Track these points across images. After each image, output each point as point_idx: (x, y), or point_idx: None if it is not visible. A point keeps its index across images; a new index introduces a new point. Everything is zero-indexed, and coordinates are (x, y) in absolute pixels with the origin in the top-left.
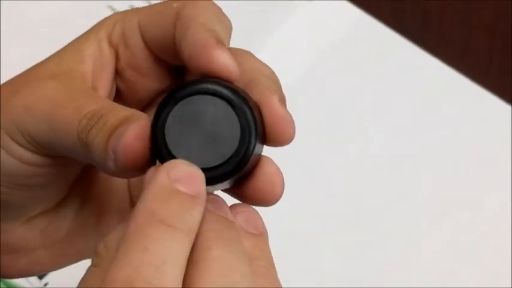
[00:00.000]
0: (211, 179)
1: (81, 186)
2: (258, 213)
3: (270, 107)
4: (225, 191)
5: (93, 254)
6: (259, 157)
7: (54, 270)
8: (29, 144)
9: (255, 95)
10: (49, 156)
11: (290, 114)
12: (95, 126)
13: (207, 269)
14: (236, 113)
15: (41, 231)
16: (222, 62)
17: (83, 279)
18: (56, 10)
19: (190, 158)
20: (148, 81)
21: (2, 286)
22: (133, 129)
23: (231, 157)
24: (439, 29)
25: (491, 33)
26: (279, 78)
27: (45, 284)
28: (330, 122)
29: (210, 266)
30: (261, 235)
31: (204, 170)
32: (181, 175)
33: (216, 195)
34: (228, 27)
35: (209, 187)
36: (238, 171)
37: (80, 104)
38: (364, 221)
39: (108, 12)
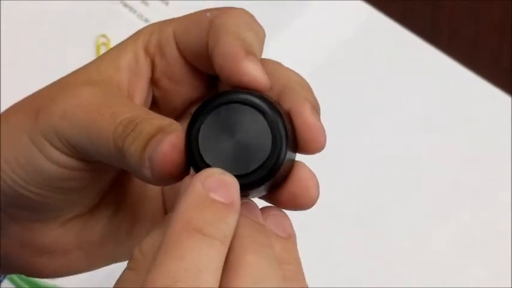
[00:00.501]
0: (245, 185)
1: (115, 192)
2: (287, 216)
3: (301, 116)
4: (261, 197)
5: (130, 258)
6: (293, 163)
7: (89, 271)
8: (66, 148)
9: (287, 102)
10: (84, 160)
11: (321, 124)
12: (130, 133)
13: (240, 275)
14: (267, 122)
15: (76, 235)
16: (252, 73)
17: (119, 280)
18: (56, 10)
19: (224, 166)
20: (183, 89)
21: (14, 277)
22: (170, 139)
23: (262, 164)
24: (448, 26)
25: (500, 30)
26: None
27: None
28: (340, 119)
29: (243, 272)
30: (289, 238)
31: (237, 177)
32: (216, 184)
33: (248, 199)
34: (260, 36)
35: (245, 195)
36: (270, 178)
37: (116, 111)
38: (371, 218)
39: (108, 13)
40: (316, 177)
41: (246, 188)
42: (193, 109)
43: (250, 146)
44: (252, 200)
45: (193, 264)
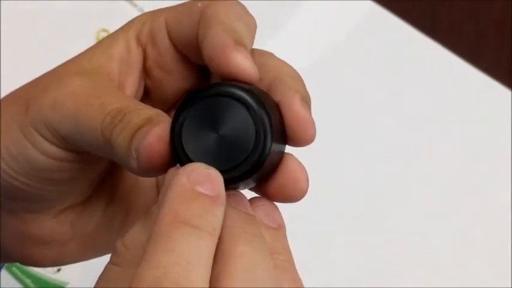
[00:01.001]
0: (229, 180)
1: (108, 184)
2: (276, 206)
3: (290, 108)
4: (250, 189)
5: (112, 251)
6: (282, 155)
7: (84, 260)
8: (56, 139)
9: (277, 94)
10: (74, 151)
11: (311, 116)
12: (118, 124)
13: (232, 265)
14: (251, 115)
15: (70, 226)
16: (240, 64)
17: (102, 277)
18: (58, 4)
19: (207, 161)
20: (175, 80)
21: (16, 271)
22: (157, 131)
23: (246, 159)
24: (449, 20)
25: (500, 25)
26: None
27: (58, 270)
28: (341, 113)
29: (235, 262)
30: (279, 228)
31: (221, 172)
32: (201, 177)
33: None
34: (252, 27)
35: (233, 187)
36: (253, 172)
37: (105, 101)
38: (372, 216)
39: (109, 8)
40: (305, 170)
41: (231, 182)
42: None
43: (234, 140)
44: (240, 192)
45: (183, 256)
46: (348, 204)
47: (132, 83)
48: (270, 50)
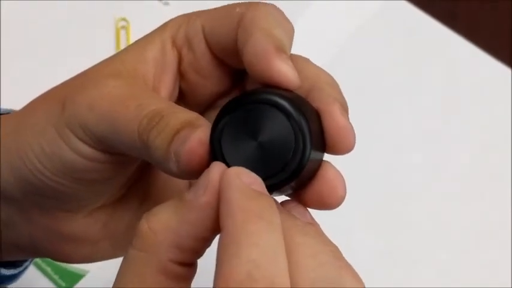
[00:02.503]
0: (267, 187)
1: (141, 184)
2: (305, 207)
3: (330, 117)
4: (288, 195)
5: (135, 235)
6: (320, 163)
7: (115, 258)
8: (91, 140)
9: (316, 102)
10: (108, 152)
11: (350, 124)
12: (156, 126)
13: (295, 255)
14: (291, 123)
15: (103, 225)
16: (282, 71)
17: (128, 264)
18: (56, 10)
19: (246, 167)
20: (210, 83)
21: (36, 259)
22: (198, 135)
23: (284, 167)
24: (467, 10)
25: None
26: (313, 51)
27: None
28: (359, 102)
29: (297, 252)
30: (315, 224)
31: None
32: (251, 179)
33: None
34: (290, 32)
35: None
36: (291, 181)
37: (142, 103)
38: (392, 202)
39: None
40: (342, 177)
41: (269, 189)
42: (219, 103)
43: (273, 147)
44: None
45: (269, 248)
46: (366, 192)
47: (166, 86)
48: None
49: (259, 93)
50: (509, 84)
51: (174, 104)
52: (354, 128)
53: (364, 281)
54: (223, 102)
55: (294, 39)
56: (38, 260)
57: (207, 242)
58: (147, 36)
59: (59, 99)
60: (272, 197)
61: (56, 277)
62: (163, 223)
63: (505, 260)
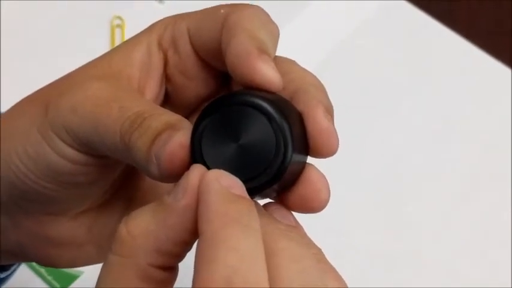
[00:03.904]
0: (248, 190)
1: (126, 188)
2: (288, 210)
3: (313, 119)
4: (272, 198)
5: (114, 240)
6: (303, 166)
7: (101, 262)
8: (74, 143)
9: (300, 104)
10: (92, 155)
11: (334, 128)
12: (137, 128)
13: (278, 260)
14: (272, 126)
15: (88, 229)
16: (264, 72)
17: (107, 270)
18: (52, 9)
19: (227, 170)
20: (196, 85)
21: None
22: (178, 138)
23: (265, 170)
24: (466, 10)
25: None
26: (308, 56)
27: None
28: (358, 102)
29: (281, 257)
30: (299, 227)
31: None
32: (230, 182)
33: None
34: (274, 34)
35: (251, 197)
36: (272, 184)
37: (125, 105)
38: (393, 200)
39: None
40: (326, 180)
41: (251, 192)
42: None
43: (254, 150)
44: (256, 201)
45: (247, 253)
46: (366, 193)
47: (152, 88)
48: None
49: (240, 95)
50: (509, 84)
51: (157, 106)
52: (353, 129)
53: (362, 281)
54: None
55: (292, 39)
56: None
57: (187, 246)
58: (134, 37)
59: (42, 102)
60: (252, 201)
61: (50, 278)
62: (142, 227)
63: (506, 260)
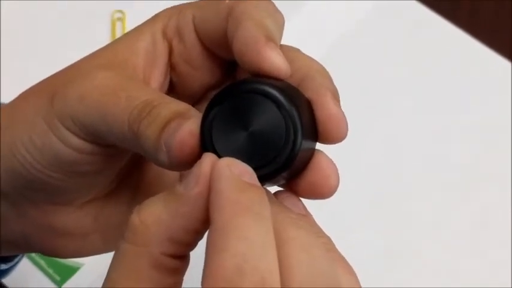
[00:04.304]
0: (258, 178)
1: (133, 177)
2: (298, 197)
3: (322, 106)
4: (281, 185)
5: (127, 228)
6: (312, 152)
7: (106, 252)
8: (81, 132)
9: (308, 92)
10: (99, 144)
11: (343, 113)
12: (146, 117)
13: (287, 249)
14: (281, 113)
15: (94, 218)
16: (272, 60)
17: (120, 258)
18: (55, 10)
19: (237, 158)
20: (201, 75)
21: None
22: (188, 126)
23: (275, 157)
24: (469, 4)
25: None
26: (308, 51)
27: None
28: (359, 97)
29: (289, 246)
30: (308, 215)
31: None
32: (241, 170)
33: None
34: (280, 23)
35: (262, 184)
36: (283, 171)
37: (132, 94)
38: (392, 198)
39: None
40: (335, 166)
41: (261, 180)
42: (211, 95)
43: (264, 137)
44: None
45: (257, 242)
46: (365, 188)
47: (157, 77)
48: None
49: (249, 82)
50: (510, 78)
51: (164, 95)
52: (355, 124)
53: (363, 279)
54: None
55: (294, 34)
56: (32, 254)
57: (199, 235)
58: (138, 27)
59: (48, 92)
60: (263, 188)
61: (50, 271)
62: (155, 216)
63: (506, 259)
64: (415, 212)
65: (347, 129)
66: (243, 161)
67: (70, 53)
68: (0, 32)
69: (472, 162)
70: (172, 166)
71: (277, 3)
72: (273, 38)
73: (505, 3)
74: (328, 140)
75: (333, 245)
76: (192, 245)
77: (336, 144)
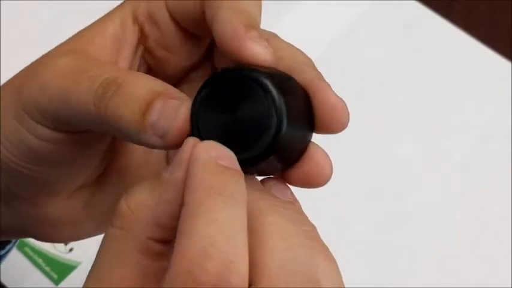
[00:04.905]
0: (241, 162)
1: (119, 160)
2: (286, 184)
3: (321, 95)
4: (274, 175)
5: (114, 214)
6: (306, 143)
7: (100, 234)
8: (49, 122)
9: (302, 82)
10: (71, 132)
11: (343, 102)
12: (115, 95)
13: (266, 236)
14: (267, 99)
15: (85, 205)
16: (255, 52)
17: (108, 243)
18: (56, 10)
19: (221, 142)
20: (179, 58)
21: (28, 251)
22: (184, 112)
23: (256, 142)
24: (466, 2)
25: None
26: (306, 50)
27: (70, 250)
28: (356, 94)
29: (268, 233)
30: (295, 202)
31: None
32: (219, 153)
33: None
34: (258, 4)
35: (248, 170)
36: (264, 157)
37: (94, 74)
38: (391, 193)
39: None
40: (329, 157)
41: (242, 165)
42: (191, 76)
43: (248, 122)
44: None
45: (227, 225)
46: (364, 183)
47: (125, 60)
48: None
49: (238, 69)
50: (509, 78)
51: (128, 70)
52: (352, 121)
53: (360, 275)
54: (195, 75)
55: (289, 33)
56: (29, 251)
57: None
58: (107, 13)
59: (15, 87)
60: (241, 172)
61: (47, 269)
62: (142, 202)
63: (505, 255)
64: (412, 210)
65: (348, 118)
66: (226, 145)
67: None
68: (0, 32)
69: (471, 161)
70: (166, 148)
71: (272, 2)
72: (252, 24)
73: (502, 1)
74: (330, 129)
75: (317, 233)
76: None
77: (333, 142)
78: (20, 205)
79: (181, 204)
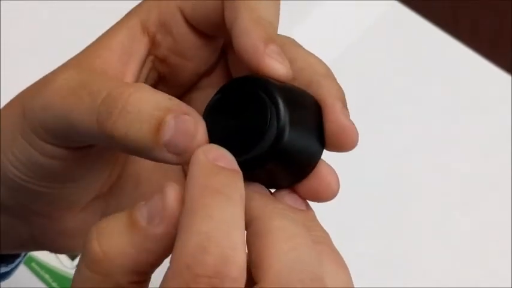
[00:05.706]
0: (241, 164)
1: (131, 167)
2: (298, 195)
3: (332, 114)
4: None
5: (86, 253)
6: (315, 159)
7: None
8: (56, 140)
9: (317, 98)
10: (79, 148)
11: (353, 123)
12: (121, 115)
13: (271, 239)
14: (271, 108)
15: (102, 214)
16: (273, 68)
17: (83, 285)
18: (56, 10)
19: (224, 146)
20: (194, 64)
21: (34, 266)
22: (203, 132)
23: (256, 145)
24: (469, 17)
25: None
26: (321, 54)
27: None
28: (359, 107)
29: (273, 236)
30: (309, 211)
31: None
32: (216, 155)
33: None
34: (277, 5)
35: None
36: (263, 159)
37: (93, 89)
38: (394, 204)
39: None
40: (336, 173)
41: (244, 168)
42: (204, 82)
43: (250, 128)
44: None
45: (222, 221)
46: (366, 196)
47: (133, 71)
48: None
49: (251, 79)
50: (510, 91)
51: (126, 82)
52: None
53: (362, 286)
54: (207, 81)
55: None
56: (36, 267)
57: (166, 258)
58: (113, 26)
59: (21, 105)
60: (239, 173)
61: (54, 284)
62: (119, 248)
63: (506, 268)
64: (415, 220)
65: (357, 139)
66: (229, 149)
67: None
68: (0, 32)
69: (473, 173)
70: (180, 164)
71: (285, 10)
72: (271, 36)
73: (505, 20)
74: (338, 148)
75: (329, 240)
76: (159, 266)
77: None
78: (38, 220)
79: (164, 254)
